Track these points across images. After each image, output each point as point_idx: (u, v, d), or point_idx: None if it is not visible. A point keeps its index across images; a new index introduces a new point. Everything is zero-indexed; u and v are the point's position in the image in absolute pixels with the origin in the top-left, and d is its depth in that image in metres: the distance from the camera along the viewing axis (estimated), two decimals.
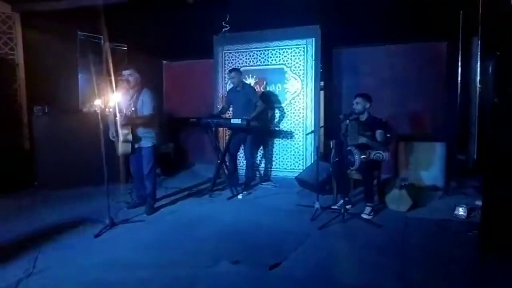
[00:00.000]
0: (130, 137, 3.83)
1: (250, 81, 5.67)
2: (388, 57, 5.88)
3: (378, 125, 3.92)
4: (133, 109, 3.88)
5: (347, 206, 3.83)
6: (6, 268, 2.67)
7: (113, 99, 3.91)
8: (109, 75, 5.92)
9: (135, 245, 3.16)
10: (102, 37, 5.89)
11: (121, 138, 3.81)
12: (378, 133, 3.84)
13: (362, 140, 3.80)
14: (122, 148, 3.87)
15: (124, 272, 2.63)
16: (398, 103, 5.75)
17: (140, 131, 3.94)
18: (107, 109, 3.81)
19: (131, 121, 3.83)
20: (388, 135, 3.96)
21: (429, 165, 5.01)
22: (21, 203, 4.43)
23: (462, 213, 3.74)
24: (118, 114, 3.82)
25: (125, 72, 3.96)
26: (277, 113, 5.63)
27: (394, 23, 5.04)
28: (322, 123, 5.54)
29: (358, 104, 3.98)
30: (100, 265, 2.75)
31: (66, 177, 5.04)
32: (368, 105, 4.00)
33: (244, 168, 5.25)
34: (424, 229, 3.50)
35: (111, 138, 3.91)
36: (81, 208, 4.20)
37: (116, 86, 4.11)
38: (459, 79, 4.70)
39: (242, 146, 5.10)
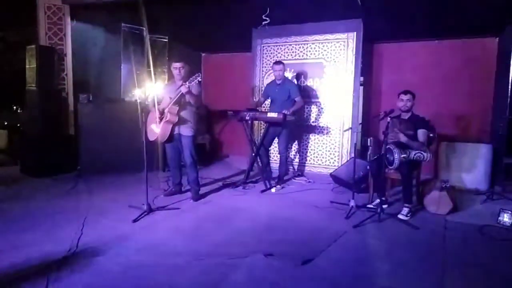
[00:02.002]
0: (175, 118, 3.92)
1: (288, 74, 5.63)
2: (433, 53, 5.63)
3: (422, 124, 3.77)
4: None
5: (384, 206, 3.73)
6: (51, 246, 2.83)
7: (153, 89, 4.03)
8: (150, 66, 6.11)
9: (171, 232, 3.25)
10: (144, 29, 6.04)
11: (167, 117, 3.92)
12: (421, 132, 3.71)
13: (403, 139, 3.68)
14: (162, 131, 3.96)
15: (160, 257, 2.71)
16: (441, 101, 5.51)
17: (184, 116, 4.01)
18: (153, 96, 3.94)
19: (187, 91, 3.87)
20: (431, 135, 3.82)
21: (472, 167, 4.79)
22: (65, 187, 4.66)
23: (507, 219, 3.53)
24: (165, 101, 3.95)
25: (177, 64, 4.06)
26: (314, 108, 5.57)
27: (440, 17, 4.82)
28: (360, 120, 5.42)
29: (409, 101, 3.82)
30: (138, 249, 2.85)
31: (107, 163, 5.26)
32: (414, 103, 3.86)
33: (278, 162, 5.24)
34: (465, 234, 3.34)
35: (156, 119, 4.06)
36: (120, 193, 4.37)
37: (155, 77, 4.21)
38: (511, 77, 4.43)
39: (277, 139, 5.09)
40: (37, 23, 5.49)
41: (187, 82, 3.81)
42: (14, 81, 6.86)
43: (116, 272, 2.49)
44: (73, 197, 4.26)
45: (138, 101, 4.56)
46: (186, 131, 4.06)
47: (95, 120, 5.37)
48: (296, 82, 5.53)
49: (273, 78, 5.11)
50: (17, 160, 5.81)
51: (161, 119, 3.98)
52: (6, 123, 9.31)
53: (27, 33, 6.40)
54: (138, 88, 5.95)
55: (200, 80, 3.89)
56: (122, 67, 6.01)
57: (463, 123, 5.46)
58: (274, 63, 5.01)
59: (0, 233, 3.09)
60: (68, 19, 5.60)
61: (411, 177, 3.83)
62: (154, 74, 6.06)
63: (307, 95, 5.52)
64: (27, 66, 5.24)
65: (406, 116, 3.88)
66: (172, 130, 4.01)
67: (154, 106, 4.03)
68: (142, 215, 3.55)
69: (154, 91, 4.11)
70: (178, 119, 3.98)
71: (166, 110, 3.94)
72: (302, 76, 5.61)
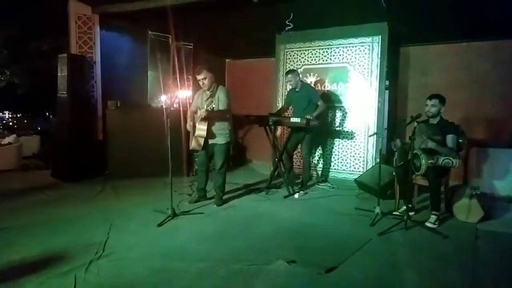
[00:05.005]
0: (203, 133, 3.96)
1: (311, 79, 5.61)
2: (461, 55, 5.48)
3: (451, 129, 3.65)
4: (213, 106, 3.98)
5: (410, 213, 3.63)
6: (78, 250, 2.91)
7: (180, 95, 4.11)
8: (175, 73, 6.25)
9: (194, 236, 3.28)
10: (170, 36, 6.18)
11: (196, 132, 3.98)
12: (450, 138, 3.59)
13: (431, 145, 3.57)
14: (194, 143, 4.03)
15: (184, 262, 2.73)
16: (471, 105, 5.33)
17: (216, 128, 4.06)
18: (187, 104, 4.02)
19: (209, 115, 3.92)
20: (460, 141, 3.69)
21: (504, 173, 4.61)
22: (93, 191, 4.79)
23: None
24: (198, 111, 4.02)
25: (199, 77, 4.05)
26: (339, 113, 5.50)
27: (469, 19, 4.67)
28: (385, 125, 5.31)
29: (434, 107, 3.69)
30: (162, 253, 2.88)
31: (134, 167, 5.38)
32: (442, 108, 3.73)
33: (301, 167, 5.20)
34: (498, 244, 3.21)
35: (188, 129, 4.19)
36: (146, 198, 4.46)
37: (181, 83, 4.29)
38: None
39: (300, 145, 5.05)
40: (69, 33, 5.71)
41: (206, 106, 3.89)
42: (48, 88, 7.15)
43: (141, 276, 2.53)
44: (101, 201, 4.38)
45: (164, 107, 4.65)
46: (220, 139, 4.11)
47: (123, 125, 5.51)
48: (319, 87, 5.50)
49: None
50: (48, 164, 6.04)
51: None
52: (39, 128, 9.72)
53: (59, 42, 6.67)
54: (164, 94, 6.08)
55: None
56: (148, 73, 6.16)
57: (495, 128, 5.25)
58: (285, 73, 4.99)
59: (31, 235, 3.20)
60: (98, 28, 5.80)
61: (439, 184, 3.71)
62: (180, 80, 6.20)
63: (331, 100, 5.47)
64: (58, 74, 5.44)
65: (434, 121, 3.76)
66: (206, 141, 4.05)
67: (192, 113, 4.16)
68: (167, 220, 3.60)
69: (180, 97, 4.19)
70: (212, 132, 4.03)
71: (196, 127, 4.00)
72: (326, 81, 5.56)
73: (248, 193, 4.80)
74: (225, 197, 4.39)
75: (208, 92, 4.11)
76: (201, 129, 3.96)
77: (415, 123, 3.49)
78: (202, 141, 4.00)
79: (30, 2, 6.17)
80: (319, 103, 4.79)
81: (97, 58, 5.82)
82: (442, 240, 3.25)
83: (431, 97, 3.75)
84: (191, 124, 4.13)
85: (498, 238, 3.32)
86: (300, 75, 5.14)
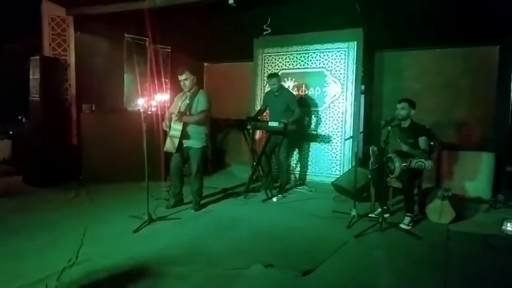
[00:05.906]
0: (178, 133, 3.90)
1: (289, 84, 5.66)
2: (434, 61, 5.65)
3: (422, 132, 3.77)
4: (187, 102, 3.93)
5: (385, 215, 3.71)
6: (51, 257, 2.83)
7: (157, 98, 4.06)
8: (153, 76, 6.17)
9: (171, 242, 3.23)
10: (147, 39, 6.11)
11: (170, 132, 3.93)
12: (421, 141, 3.71)
13: (405, 148, 3.68)
14: (168, 143, 3.98)
15: (161, 268, 2.69)
16: (443, 109, 5.51)
17: (191, 129, 4.00)
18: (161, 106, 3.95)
19: (184, 116, 3.89)
20: (432, 143, 3.81)
21: (474, 176, 4.76)
22: (67, 196, 4.67)
23: (511, 228, 3.51)
24: (175, 112, 3.96)
25: (181, 77, 4.01)
26: (315, 117, 5.57)
27: (441, 26, 4.84)
28: (361, 128, 5.41)
29: (403, 110, 3.83)
30: (138, 260, 2.83)
31: (109, 172, 5.27)
32: (412, 111, 3.86)
33: (279, 171, 5.23)
34: (468, 243, 3.31)
35: (164, 128, 4.08)
36: (121, 203, 4.38)
37: (158, 87, 4.23)
38: None
39: (277, 148, 5.08)
40: (42, 34, 5.56)
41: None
42: (20, 91, 6.93)
43: (116, 283, 2.48)
44: (75, 207, 4.27)
45: (141, 110, 4.58)
46: (195, 143, 4.05)
47: (98, 129, 5.40)
48: (296, 91, 5.56)
49: None
50: (20, 170, 5.84)
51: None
52: (11, 132, 9.37)
53: (32, 44, 6.47)
54: (141, 98, 5.99)
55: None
56: (125, 77, 6.06)
57: (465, 131, 5.44)
58: (267, 77, 5.03)
59: (2, 243, 3.09)
60: (72, 30, 5.67)
61: (413, 186, 3.81)
62: (157, 84, 6.12)
63: (308, 104, 5.54)
64: (30, 77, 5.29)
65: (406, 124, 3.88)
66: (180, 143, 4.00)
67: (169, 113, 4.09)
68: (143, 225, 3.55)
69: (157, 101, 4.14)
70: (187, 133, 3.98)
71: (171, 126, 3.95)
72: (303, 85, 5.62)
73: (226, 197, 4.78)
74: (202, 201, 4.36)
75: (188, 94, 4.07)
76: (176, 129, 3.92)
77: (389, 127, 3.58)
78: (176, 142, 3.94)
79: (1, 2, 5.97)
80: (296, 110, 4.83)
81: (72, 60, 5.69)
82: (416, 241, 3.33)
83: (400, 101, 3.90)
84: (167, 123, 4.05)
85: (468, 238, 3.43)
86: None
